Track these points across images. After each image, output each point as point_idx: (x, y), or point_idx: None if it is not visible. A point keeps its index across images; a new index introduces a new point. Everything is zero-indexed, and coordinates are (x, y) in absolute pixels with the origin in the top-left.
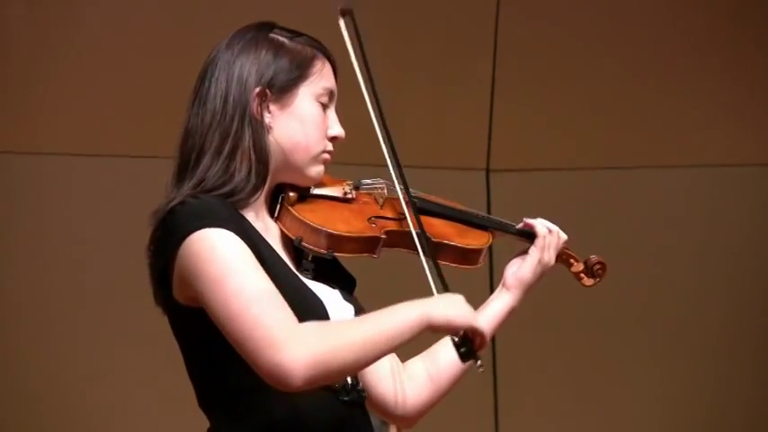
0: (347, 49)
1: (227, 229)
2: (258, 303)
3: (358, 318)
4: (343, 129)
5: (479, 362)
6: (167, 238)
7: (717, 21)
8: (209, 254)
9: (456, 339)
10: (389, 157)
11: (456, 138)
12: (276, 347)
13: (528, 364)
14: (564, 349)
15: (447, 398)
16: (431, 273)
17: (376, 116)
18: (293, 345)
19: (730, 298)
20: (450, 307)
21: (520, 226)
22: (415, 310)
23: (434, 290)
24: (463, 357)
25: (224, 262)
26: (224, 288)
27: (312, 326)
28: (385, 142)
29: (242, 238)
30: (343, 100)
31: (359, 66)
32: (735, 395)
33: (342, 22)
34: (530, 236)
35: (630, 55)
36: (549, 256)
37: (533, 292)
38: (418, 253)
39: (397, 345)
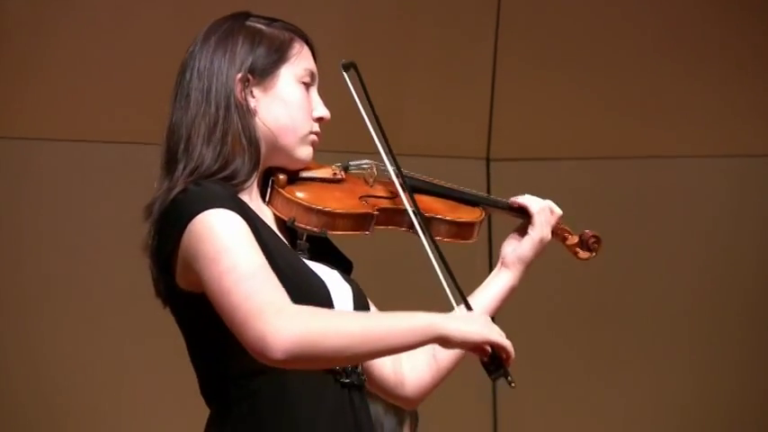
0: (353, 99)
1: (228, 208)
2: (251, 278)
3: (361, 312)
4: (332, 116)
5: (510, 377)
6: (172, 226)
7: (715, 19)
8: (207, 233)
9: (485, 359)
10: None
11: (456, 126)
12: (263, 319)
13: (527, 358)
14: (568, 342)
15: (446, 388)
16: (430, 248)
17: (388, 158)
18: (281, 318)
19: (735, 290)
20: (466, 323)
21: (511, 202)
22: (423, 319)
23: (435, 263)
24: (493, 376)
25: (221, 240)
26: (219, 265)
27: (307, 307)
28: (401, 185)
29: (243, 219)
30: (333, 90)
31: (367, 116)
32: (743, 390)
33: (346, 76)
34: (523, 212)
35: (634, 42)
36: (547, 232)
37: (553, 287)
38: (413, 229)
39: (395, 348)
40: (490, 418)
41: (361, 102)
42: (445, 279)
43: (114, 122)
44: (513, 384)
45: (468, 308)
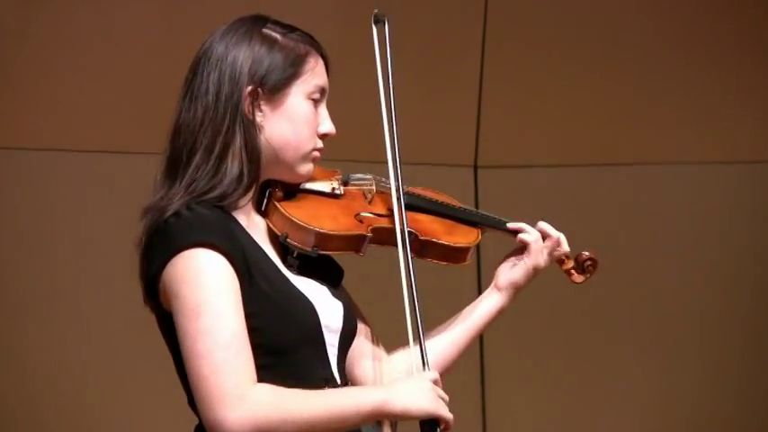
0: (374, 56)
1: (218, 249)
2: (224, 350)
3: (314, 392)
4: (335, 125)
5: None
6: (159, 250)
7: (709, 18)
8: (192, 278)
9: (422, 422)
10: (392, 162)
11: (443, 134)
12: (224, 403)
13: (516, 359)
14: (554, 346)
15: None
16: (406, 281)
17: (389, 123)
18: (240, 405)
19: (721, 295)
20: (411, 396)
21: (515, 226)
22: (371, 397)
23: (405, 296)
24: None
25: (204, 292)
26: (197, 322)
27: (266, 392)
28: (392, 148)
29: (233, 255)
30: (336, 95)
31: (383, 74)
32: (729, 394)
33: (374, 29)
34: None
35: (619, 51)
36: (545, 260)
37: (547, 292)
38: (404, 252)
39: (348, 427)
40: (479, 420)
41: (381, 60)
42: (412, 323)
43: (99, 132)
44: None
45: (425, 363)
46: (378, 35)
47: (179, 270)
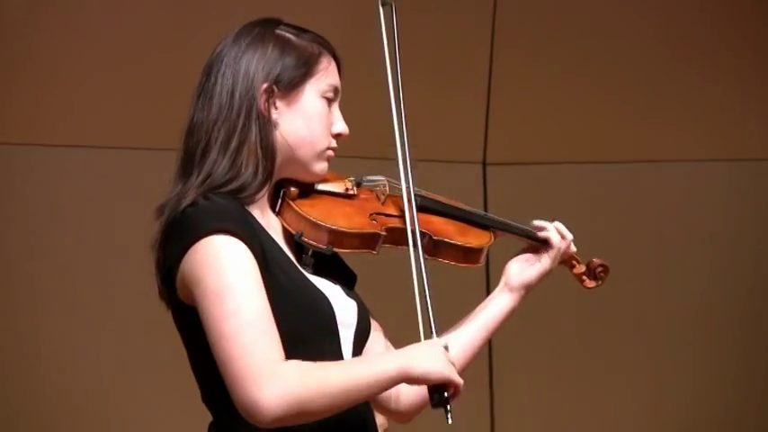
0: (380, 40)
1: (237, 236)
2: (251, 330)
3: (338, 363)
4: (347, 123)
5: (449, 414)
6: (177, 240)
7: (708, 19)
8: (213, 262)
9: (431, 387)
10: (401, 152)
11: (452, 131)
12: (256, 382)
13: (524, 359)
14: (560, 345)
15: None
16: (417, 278)
17: (396, 108)
18: (273, 383)
19: (722, 293)
20: (428, 360)
21: (532, 226)
22: (394, 362)
23: (417, 300)
24: (435, 405)
25: (227, 276)
26: (222, 305)
27: (295, 367)
28: (400, 135)
29: (251, 242)
30: (346, 93)
31: (390, 58)
32: (727, 390)
33: (381, 12)
34: (539, 239)
35: (632, 47)
36: (557, 262)
37: (550, 290)
38: (416, 251)
39: (374, 394)
40: (487, 417)
41: (388, 44)
42: (422, 311)
43: (113, 128)
44: (450, 421)
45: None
46: (384, 18)
47: (199, 257)
